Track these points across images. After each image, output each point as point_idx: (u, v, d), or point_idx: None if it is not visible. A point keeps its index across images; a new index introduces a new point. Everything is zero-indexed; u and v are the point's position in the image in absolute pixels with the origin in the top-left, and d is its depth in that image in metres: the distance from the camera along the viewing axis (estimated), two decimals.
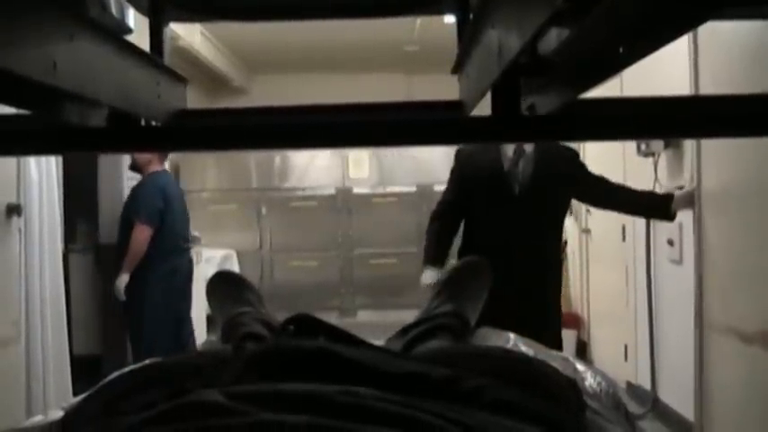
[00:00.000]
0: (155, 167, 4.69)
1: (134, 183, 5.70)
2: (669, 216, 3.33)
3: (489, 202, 3.13)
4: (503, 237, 3.03)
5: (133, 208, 4.65)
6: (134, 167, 4.80)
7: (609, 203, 3.44)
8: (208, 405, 0.76)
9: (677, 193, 3.38)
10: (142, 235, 4.54)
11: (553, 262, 3.29)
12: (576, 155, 3.28)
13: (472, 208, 3.20)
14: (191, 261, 4.96)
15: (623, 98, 1.24)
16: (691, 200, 3.37)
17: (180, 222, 4.81)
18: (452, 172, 3.33)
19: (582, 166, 3.30)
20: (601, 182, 3.26)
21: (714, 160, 3.18)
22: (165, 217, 4.64)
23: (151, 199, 4.62)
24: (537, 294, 3.11)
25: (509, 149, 3.11)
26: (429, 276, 3.15)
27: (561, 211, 3.29)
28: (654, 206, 3.35)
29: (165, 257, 4.65)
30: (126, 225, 4.65)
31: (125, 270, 4.57)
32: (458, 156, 3.31)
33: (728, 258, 3.13)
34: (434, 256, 3.25)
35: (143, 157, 4.62)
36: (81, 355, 5.13)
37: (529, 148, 3.10)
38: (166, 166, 4.91)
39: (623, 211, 3.59)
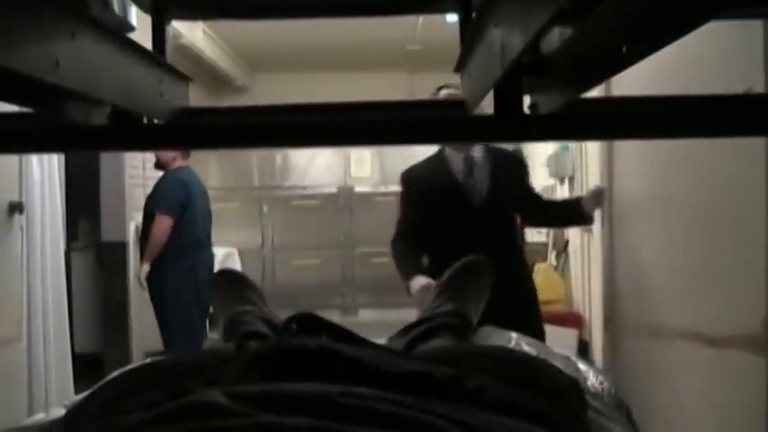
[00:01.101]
0: (178, 164, 4.76)
1: (137, 181, 5.73)
2: (586, 219, 3.27)
3: (451, 218, 3.06)
4: (471, 249, 2.97)
5: (154, 200, 4.71)
6: (158, 165, 4.85)
7: (540, 218, 3.42)
8: (209, 406, 0.76)
9: (585, 194, 3.35)
10: (162, 225, 4.61)
11: (523, 266, 3.26)
12: (524, 161, 3.27)
13: (433, 227, 3.10)
14: (212, 257, 5.00)
15: (627, 97, 1.23)
16: (599, 198, 3.31)
17: (202, 218, 4.87)
18: (403, 195, 3.22)
19: (528, 175, 3.28)
20: (537, 195, 3.29)
21: (635, 160, 3.15)
22: (185, 211, 4.70)
23: (171, 191, 4.68)
24: (515, 300, 3.04)
25: (458, 161, 3.07)
26: (419, 281, 3.01)
27: (516, 216, 3.27)
28: (569, 213, 3.30)
29: (184, 252, 4.70)
30: (148, 217, 4.71)
31: (145, 260, 4.66)
32: (406, 177, 3.21)
33: (668, 260, 3.11)
34: (413, 267, 3.09)
35: (166, 154, 4.70)
36: (83, 354, 5.15)
37: (478, 154, 3.06)
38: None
39: (550, 224, 3.53)
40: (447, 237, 3.05)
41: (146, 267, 4.66)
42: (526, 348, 1.64)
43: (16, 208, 3.72)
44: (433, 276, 3.06)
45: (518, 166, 3.20)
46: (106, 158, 5.49)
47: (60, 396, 3.91)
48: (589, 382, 1.45)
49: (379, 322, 6.33)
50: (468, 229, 3.01)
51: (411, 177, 3.19)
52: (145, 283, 4.71)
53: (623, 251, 3.39)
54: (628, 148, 3.24)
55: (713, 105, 1.24)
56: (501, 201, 3.06)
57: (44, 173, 4.02)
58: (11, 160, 3.68)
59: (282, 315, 1.51)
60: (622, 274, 3.41)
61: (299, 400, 0.77)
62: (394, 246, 3.21)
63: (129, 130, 1.27)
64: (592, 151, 5.28)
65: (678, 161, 2.79)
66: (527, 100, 1.23)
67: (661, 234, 3.00)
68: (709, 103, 1.26)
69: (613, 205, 3.36)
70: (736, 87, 2.24)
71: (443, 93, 3.04)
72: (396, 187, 3.42)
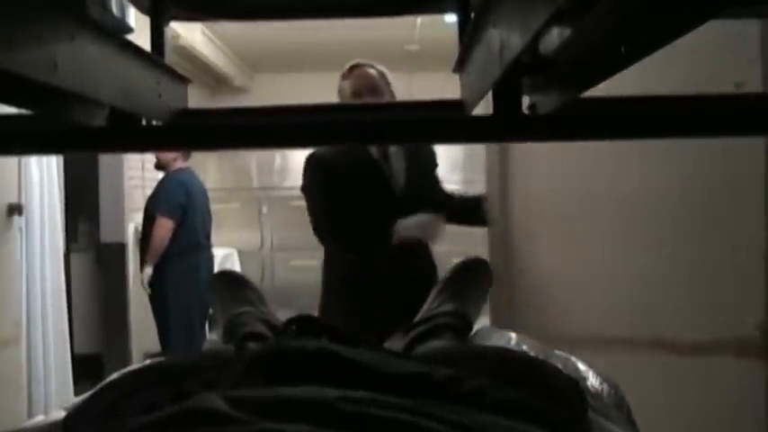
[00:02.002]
0: (178, 165, 4.76)
1: (136, 182, 5.73)
2: (485, 221, 3.00)
3: (371, 202, 2.82)
4: (389, 237, 2.76)
5: (155, 202, 4.71)
6: (158, 166, 4.86)
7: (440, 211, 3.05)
8: (208, 412, 0.76)
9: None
10: (163, 228, 4.61)
11: (431, 257, 3.03)
12: (434, 150, 3.05)
13: (351, 213, 2.82)
14: (211, 258, 5.01)
15: (627, 97, 1.23)
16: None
17: (202, 219, 4.87)
18: (316, 182, 2.86)
19: (437, 164, 3.07)
20: (441, 187, 3.06)
21: (545, 159, 2.96)
22: (186, 213, 4.70)
23: (172, 193, 4.69)
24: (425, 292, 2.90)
25: (374, 147, 2.84)
26: (409, 223, 2.74)
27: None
28: (469, 211, 2.99)
29: (184, 253, 4.70)
30: (149, 219, 4.71)
31: (148, 263, 4.65)
32: (320, 162, 2.84)
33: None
34: (381, 220, 2.78)
35: (167, 156, 4.70)
36: (82, 355, 5.15)
37: None
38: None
39: (451, 220, 3.03)
40: (367, 222, 2.81)
41: (148, 271, 4.66)
42: (526, 348, 1.64)
43: (15, 209, 3.72)
44: (351, 268, 2.82)
45: (429, 154, 3.02)
46: (105, 160, 5.50)
47: (60, 397, 3.91)
48: (589, 382, 1.45)
49: None
50: (386, 216, 2.79)
51: (324, 160, 2.83)
52: (148, 287, 4.71)
53: (535, 256, 3.14)
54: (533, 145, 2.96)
55: (715, 105, 1.24)
56: (417, 188, 2.89)
57: (43, 174, 4.02)
58: (10, 162, 3.68)
59: (282, 316, 1.51)
60: (531, 283, 3.17)
61: (299, 405, 0.77)
62: (325, 234, 2.87)
63: (128, 132, 1.27)
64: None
65: (614, 159, 2.70)
66: (526, 100, 1.23)
67: (599, 239, 2.84)
68: (711, 103, 1.25)
69: (513, 208, 3.06)
70: (726, 81, 2.23)
71: (356, 72, 2.86)
72: None
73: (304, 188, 2.93)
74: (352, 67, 2.93)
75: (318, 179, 2.86)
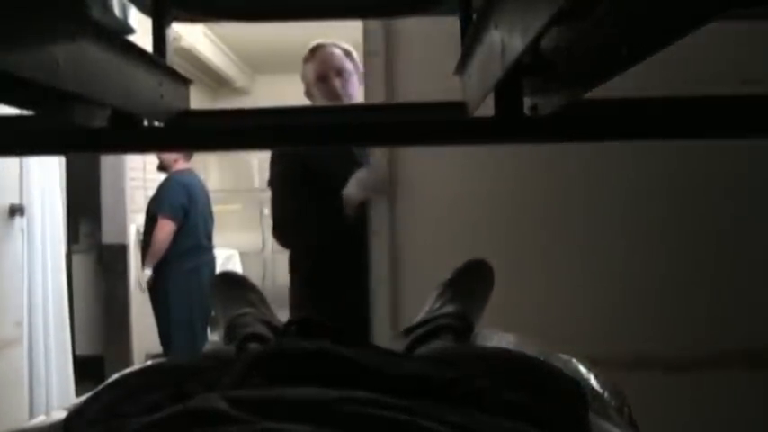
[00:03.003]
0: (180, 166, 4.77)
1: (137, 183, 5.74)
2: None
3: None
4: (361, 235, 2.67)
5: (157, 203, 4.73)
6: (161, 167, 4.87)
7: None
8: (209, 412, 0.76)
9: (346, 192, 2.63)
10: (165, 229, 4.62)
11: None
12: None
13: (328, 209, 2.63)
14: (213, 260, 5.02)
15: (630, 98, 1.23)
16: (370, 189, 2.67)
17: (203, 220, 4.88)
18: (288, 176, 2.67)
19: None
20: None
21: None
22: (188, 214, 4.71)
23: (175, 194, 4.70)
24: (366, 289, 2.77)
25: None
26: (351, 189, 2.58)
27: None
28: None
29: (186, 254, 4.71)
30: (151, 221, 4.72)
31: (147, 264, 4.66)
32: (294, 157, 2.64)
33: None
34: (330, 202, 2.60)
35: (168, 157, 4.73)
36: (84, 356, 5.16)
37: None
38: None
39: None
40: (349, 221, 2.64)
41: (148, 272, 4.67)
42: (527, 349, 1.63)
43: (17, 210, 3.72)
44: (318, 267, 2.68)
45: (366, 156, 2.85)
46: (106, 161, 5.50)
47: (61, 398, 3.91)
48: (590, 384, 1.45)
49: None
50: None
51: (298, 155, 2.64)
52: (145, 287, 4.72)
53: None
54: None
55: (721, 106, 1.24)
56: None
57: (44, 175, 4.02)
58: (11, 163, 3.68)
59: (283, 317, 1.51)
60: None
61: (299, 405, 0.77)
62: (282, 230, 2.72)
63: (130, 133, 1.27)
64: None
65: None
66: (528, 102, 1.23)
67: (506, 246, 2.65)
68: (714, 105, 1.25)
69: (398, 200, 2.72)
70: (731, 77, 2.21)
71: (319, 55, 2.70)
72: None
73: (281, 178, 2.75)
74: (314, 50, 2.76)
75: (284, 178, 2.71)
